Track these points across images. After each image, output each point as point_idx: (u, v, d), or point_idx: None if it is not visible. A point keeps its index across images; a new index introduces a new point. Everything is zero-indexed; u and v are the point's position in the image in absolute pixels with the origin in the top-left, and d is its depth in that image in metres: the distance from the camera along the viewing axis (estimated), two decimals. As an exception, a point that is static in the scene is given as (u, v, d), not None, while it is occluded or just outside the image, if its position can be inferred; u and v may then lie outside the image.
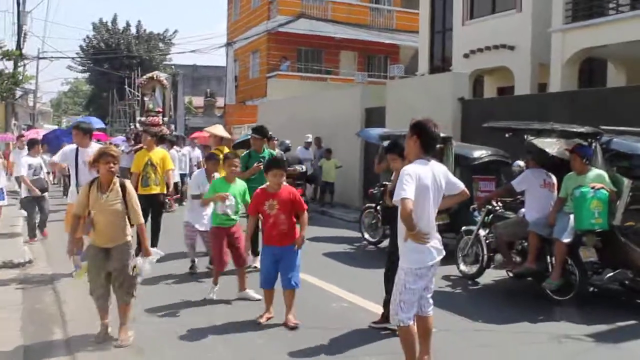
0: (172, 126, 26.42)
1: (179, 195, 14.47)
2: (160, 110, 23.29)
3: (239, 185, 7.17)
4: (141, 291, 5.73)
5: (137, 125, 19.22)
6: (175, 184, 10.27)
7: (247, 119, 26.81)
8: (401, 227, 4.47)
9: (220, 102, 36.83)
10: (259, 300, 6.54)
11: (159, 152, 9.52)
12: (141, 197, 9.64)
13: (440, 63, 20.74)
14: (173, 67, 48.41)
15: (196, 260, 8.36)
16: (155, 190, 9.19)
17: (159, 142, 10.29)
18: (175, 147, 15.11)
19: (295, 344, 5.47)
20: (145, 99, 20.20)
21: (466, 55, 18.32)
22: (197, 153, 19.09)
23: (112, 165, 5.37)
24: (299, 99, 21.42)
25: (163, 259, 8.18)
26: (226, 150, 9.50)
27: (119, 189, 5.43)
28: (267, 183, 6.06)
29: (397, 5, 31.27)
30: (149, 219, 9.25)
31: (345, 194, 16.50)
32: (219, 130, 10.08)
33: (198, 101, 43.12)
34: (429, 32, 21.26)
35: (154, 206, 9.21)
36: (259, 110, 24.42)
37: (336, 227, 12.91)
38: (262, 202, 5.99)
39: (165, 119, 25.04)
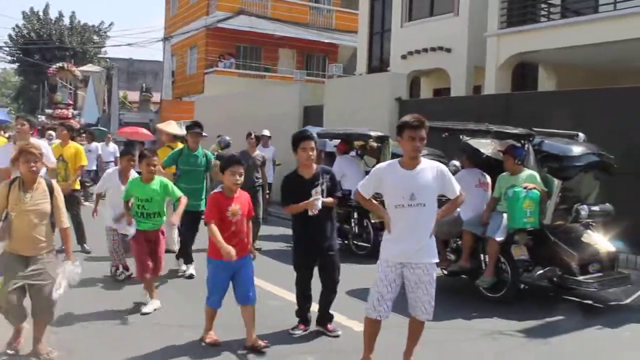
0: (82, 120, 25.49)
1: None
2: (71, 102, 22.34)
3: (157, 182, 6.54)
4: (72, 293, 5.44)
5: (44, 117, 18.51)
6: (82, 182, 10.12)
7: (184, 115, 26.35)
8: (429, 227, 4.57)
9: (156, 97, 36.14)
10: (158, 309, 6.33)
11: (71, 147, 9.31)
12: None
13: (379, 63, 20.95)
14: (108, 60, 47.20)
15: (120, 267, 7.75)
16: (64, 186, 8.93)
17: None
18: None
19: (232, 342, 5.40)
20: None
21: (404, 57, 18.55)
22: (112, 148, 18.60)
23: (32, 164, 4.78)
24: (237, 95, 21.23)
25: (95, 259, 7.99)
26: (180, 146, 9.25)
27: (46, 189, 4.86)
28: (222, 185, 5.35)
29: (337, 5, 31.43)
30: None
31: (282, 191, 16.37)
32: (172, 127, 9.70)
33: (133, 96, 42.15)
34: (368, 32, 21.43)
35: (68, 203, 8.96)
36: (195, 106, 24.09)
37: (273, 224, 12.83)
38: (225, 207, 5.20)
39: (76, 112, 24.00)
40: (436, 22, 17.95)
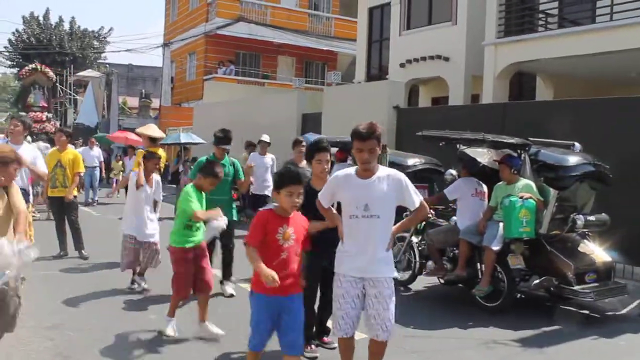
0: (57, 122, 25.35)
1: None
2: (45, 105, 22.08)
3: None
4: (70, 299, 5.47)
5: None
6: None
7: (183, 121, 26.45)
8: (385, 239, 4.37)
9: (155, 103, 36.21)
10: (222, 335, 5.71)
11: (69, 153, 9.35)
12: (49, 199, 9.46)
13: (377, 71, 21.02)
14: (107, 65, 47.31)
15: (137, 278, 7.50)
16: (63, 192, 9.01)
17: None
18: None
19: (224, 347, 5.42)
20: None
21: (402, 65, 18.60)
22: (97, 152, 18.58)
23: None
24: (236, 102, 21.29)
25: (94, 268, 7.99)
26: (160, 151, 9.19)
27: (4, 193, 4.43)
28: (275, 204, 4.42)
29: (336, 13, 31.53)
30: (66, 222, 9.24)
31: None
32: (152, 130, 9.64)
33: (133, 101, 42.22)
34: (367, 40, 21.51)
35: (66, 209, 9.09)
36: (194, 112, 24.16)
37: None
38: (276, 228, 4.24)
39: (50, 115, 23.80)
40: (434, 30, 18.01)
